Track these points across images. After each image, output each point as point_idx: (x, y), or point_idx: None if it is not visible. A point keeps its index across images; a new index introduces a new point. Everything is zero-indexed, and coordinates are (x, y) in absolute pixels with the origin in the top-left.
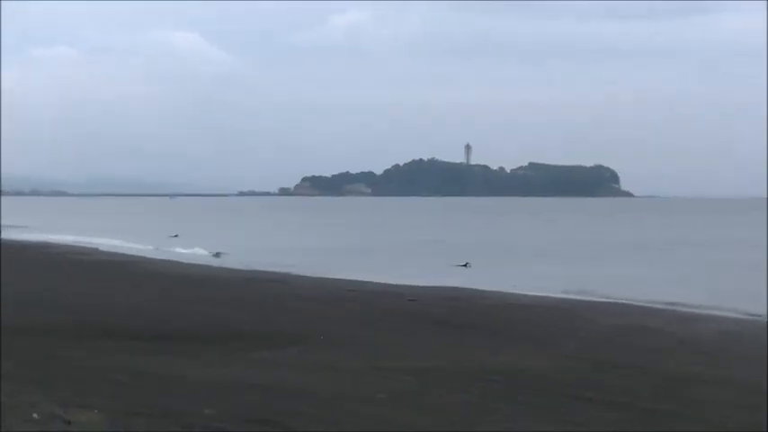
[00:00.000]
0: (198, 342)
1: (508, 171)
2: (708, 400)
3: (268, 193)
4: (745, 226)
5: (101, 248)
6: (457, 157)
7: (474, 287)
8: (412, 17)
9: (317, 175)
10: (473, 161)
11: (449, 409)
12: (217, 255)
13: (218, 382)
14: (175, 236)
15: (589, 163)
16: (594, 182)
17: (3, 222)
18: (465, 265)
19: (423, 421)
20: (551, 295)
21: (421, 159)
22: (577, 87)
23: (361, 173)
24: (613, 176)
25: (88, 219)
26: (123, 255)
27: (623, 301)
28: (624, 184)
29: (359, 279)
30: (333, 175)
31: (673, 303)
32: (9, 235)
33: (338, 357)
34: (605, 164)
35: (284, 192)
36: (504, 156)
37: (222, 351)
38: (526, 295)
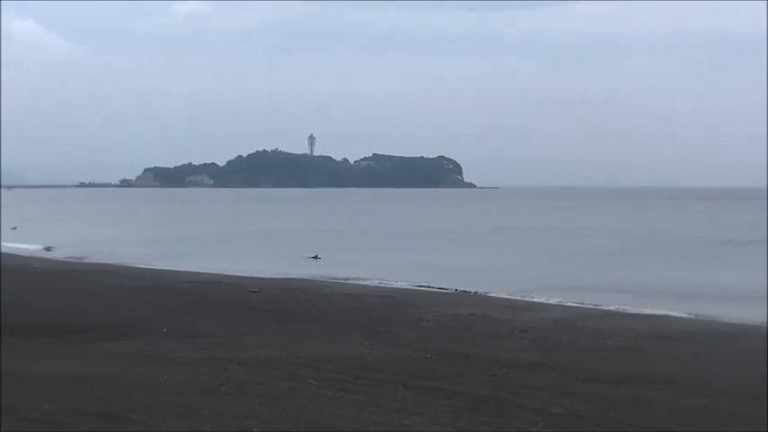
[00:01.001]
0: (37, 336)
1: (352, 162)
2: (537, 386)
3: (108, 185)
4: (574, 214)
5: None
6: (301, 148)
7: (318, 278)
8: (256, 7)
9: (159, 166)
10: (317, 152)
11: (287, 398)
12: (48, 248)
13: (57, 377)
14: (14, 228)
15: (432, 154)
16: (438, 173)
17: None
18: (315, 257)
19: (262, 410)
20: (394, 285)
21: (265, 150)
22: (425, 79)
23: (204, 164)
24: (456, 168)
25: None
26: None
27: (463, 290)
28: (467, 176)
29: (199, 270)
30: (175, 167)
31: (510, 292)
32: None
33: (178, 349)
34: (448, 155)
35: (125, 183)
36: (349, 147)
37: (62, 344)
38: (369, 286)
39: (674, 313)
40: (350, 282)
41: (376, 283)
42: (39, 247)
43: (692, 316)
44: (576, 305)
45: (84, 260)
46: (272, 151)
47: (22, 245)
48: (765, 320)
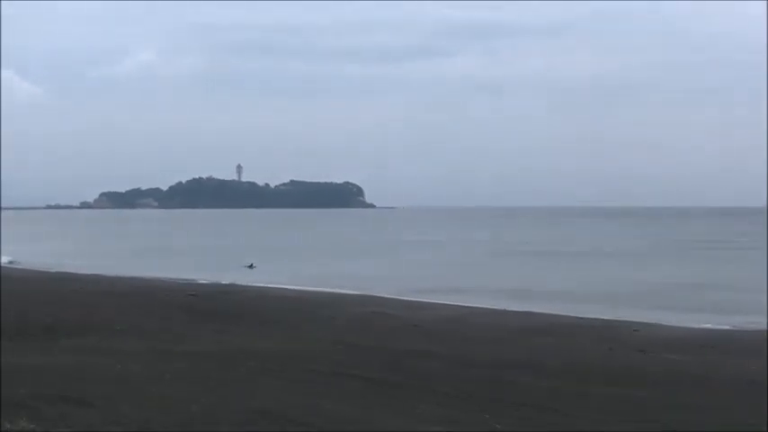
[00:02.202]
0: (8, 334)
1: (272, 187)
2: (430, 372)
3: (70, 206)
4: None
5: None
6: (230, 175)
7: (250, 284)
8: (192, 58)
9: (112, 190)
10: (244, 178)
11: (223, 385)
12: (11, 262)
13: (29, 367)
14: None
15: (340, 180)
16: (344, 196)
17: None
18: (251, 266)
19: (202, 395)
20: (313, 289)
21: (200, 177)
22: (331, 117)
23: (150, 189)
24: (359, 191)
25: None
26: None
27: (367, 293)
28: (368, 198)
29: (146, 276)
30: (126, 191)
31: (405, 294)
32: None
33: (130, 344)
34: (353, 180)
35: (84, 205)
36: (270, 173)
37: (30, 341)
38: (293, 290)
39: (541, 310)
40: (276, 287)
41: (297, 287)
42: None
43: (556, 313)
44: (459, 305)
45: (50, 270)
46: (206, 178)
47: None
48: (600, 316)
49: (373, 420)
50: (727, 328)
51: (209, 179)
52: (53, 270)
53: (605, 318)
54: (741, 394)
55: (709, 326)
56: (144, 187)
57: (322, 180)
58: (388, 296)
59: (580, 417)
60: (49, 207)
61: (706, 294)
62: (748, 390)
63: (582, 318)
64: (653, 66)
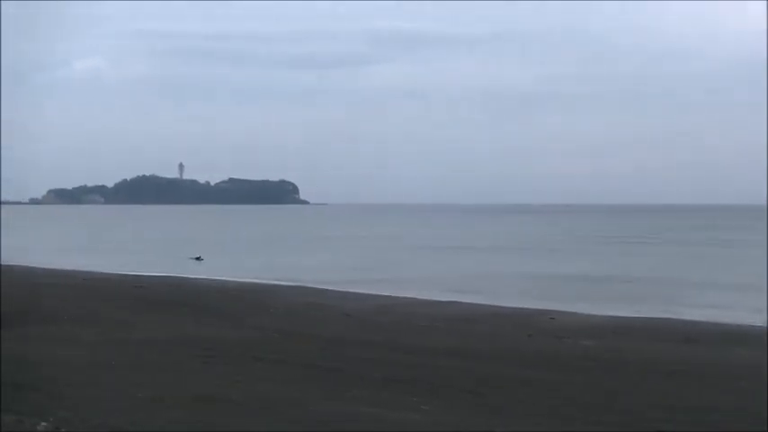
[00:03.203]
0: None
1: (213, 184)
2: (363, 359)
3: (20, 203)
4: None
5: None
6: (173, 173)
7: (195, 276)
8: (137, 63)
9: (60, 187)
10: (185, 176)
11: (169, 372)
12: None
13: None
14: None
15: (276, 178)
16: (280, 193)
17: None
18: (198, 258)
19: (149, 381)
20: (253, 281)
21: (144, 175)
22: (268, 120)
23: (96, 186)
24: (294, 188)
25: None
26: None
27: (303, 284)
28: (302, 195)
29: (93, 270)
30: (73, 188)
31: (337, 284)
32: None
33: (76, 333)
34: (288, 179)
35: (34, 201)
36: (211, 172)
37: None
38: (233, 281)
39: (463, 300)
40: (219, 278)
41: (238, 279)
42: None
43: (475, 302)
44: (388, 295)
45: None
46: (149, 175)
47: None
48: (519, 306)
49: (310, 403)
50: (635, 315)
51: (153, 177)
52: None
53: (523, 307)
54: (647, 375)
55: (619, 314)
56: (90, 184)
57: (259, 178)
58: (322, 287)
59: (503, 398)
60: None
61: (617, 285)
62: (653, 371)
63: (502, 307)
64: (568, 75)
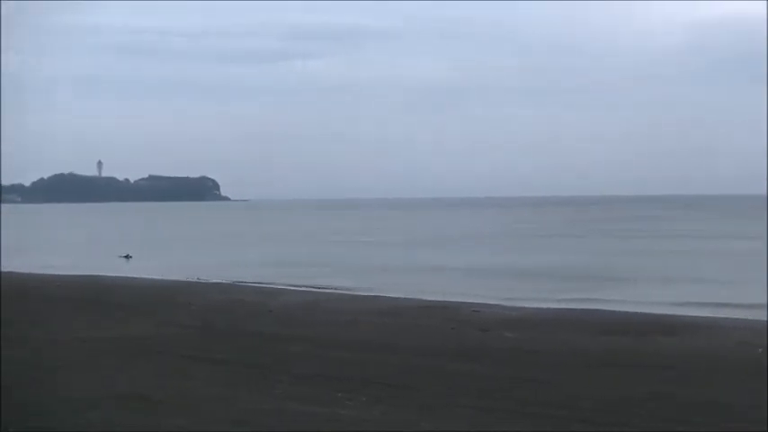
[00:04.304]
0: None
1: (132, 182)
2: (287, 354)
3: None
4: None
5: None
6: (91, 171)
7: (119, 274)
8: (58, 59)
9: None
10: (104, 174)
11: (96, 371)
12: None
13: None
14: None
15: (196, 174)
16: (201, 189)
17: None
18: (127, 257)
19: (76, 381)
20: (178, 278)
21: (62, 173)
22: (190, 115)
23: (12, 185)
24: (215, 185)
25: None
26: None
27: (227, 281)
28: (223, 191)
29: (17, 270)
30: None
31: (263, 279)
32: None
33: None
34: (209, 175)
35: None
36: (130, 168)
37: None
38: (161, 279)
39: (386, 294)
40: (144, 277)
41: (164, 277)
42: None
43: (399, 295)
44: (313, 290)
45: None
46: (67, 174)
47: None
48: (442, 299)
49: (237, 399)
50: (558, 307)
51: (71, 175)
52: None
53: (447, 300)
54: (572, 366)
55: (543, 306)
56: (6, 183)
57: (180, 175)
58: (246, 283)
59: (430, 391)
60: None
61: (540, 278)
62: (578, 362)
63: (425, 300)
64: (488, 67)
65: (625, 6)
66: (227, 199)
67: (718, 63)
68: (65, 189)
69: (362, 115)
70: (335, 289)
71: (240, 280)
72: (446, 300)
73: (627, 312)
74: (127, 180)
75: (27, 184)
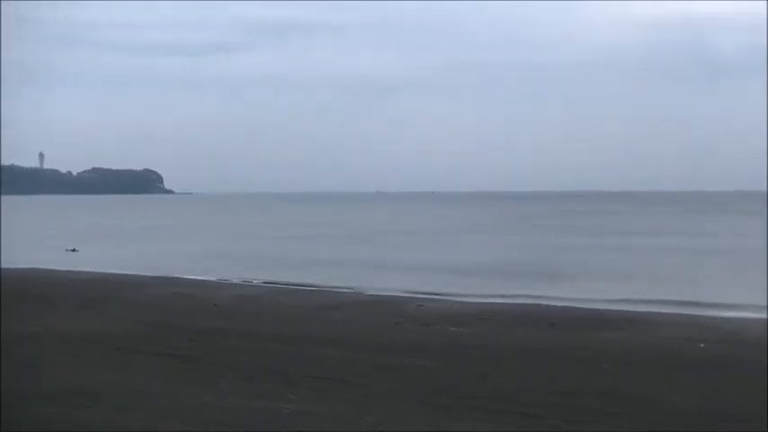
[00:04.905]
0: None
1: (75, 174)
2: (231, 349)
3: None
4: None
5: None
6: (33, 162)
7: (68, 268)
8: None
9: None
10: (46, 166)
11: (36, 367)
12: None
13: None
14: None
15: (140, 167)
16: (144, 182)
17: None
18: (74, 250)
19: (15, 377)
20: (123, 272)
21: (2, 165)
22: (133, 108)
23: None
24: (159, 178)
25: None
26: None
27: (171, 275)
28: (167, 184)
29: None
30: None
31: (207, 273)
32: None
33: None
34: (152, 168)
35: None
36: (73, 160)
37: None
38: (106, 273)
39: (330, 288)
40: (91, 271)
41: (109, 270)
42: None
43: (342, 289)
44: (257, 284)
45: None
46: (8, 165)
47: None
48: (386, 293)
49: (180, 394)
50: (502, 302)
51: (12, 167)
52: None
53: (391, 294)
54: (515, 360)
55: (486, 301)
56: None
57: (123, 167)
58: (190, 277)
59: (373, 386)
60: None
61: (483, 273)
62: (521, 356)
63: (369, 295)
64: (428, 64)
65: (563, 5)
66: (170, 192)
67: (655, 59)
68: (5, 181)
69: (304, 108)
70: (280, 283)
71: (184, 274)
72: (390, 294)
73: (571, 307)
74: (69, 172)
75: None
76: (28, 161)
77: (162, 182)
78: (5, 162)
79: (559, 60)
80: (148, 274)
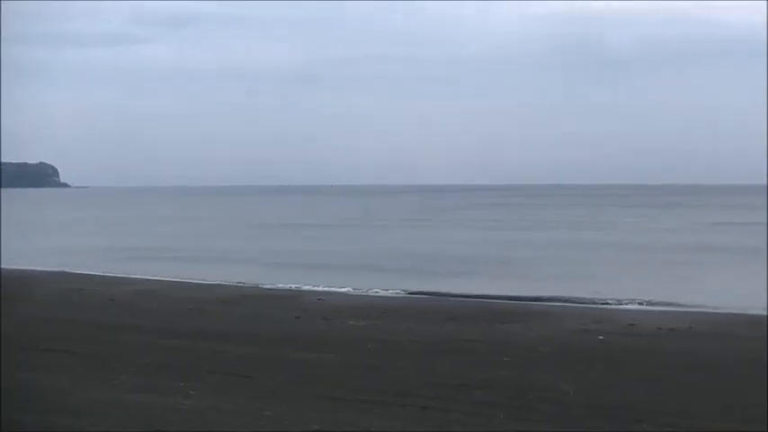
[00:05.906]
0: None
1: None
2: (129, 344)
3: None
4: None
5: None
6: None
7: None
8: None
9: None
10: None
11: None
12: None
13: None
14: None
15: (34, 161)
16: (39, 176)
17: None
18: None
19: None
20: (13, 267)
21: None
22: (30, 100)
23: None
24: (54, 171)
25: None
26: None
27: (65, 269)
28: (63, 178)
29: None
30: None
31: (102, 268)
32: None
33: None
34: (48, 161)
35: None
36: None
37: None
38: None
39: (229, 282)
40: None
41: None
42: None
43: (242, 284)
44: (154, 278)
45: None
46: None
47: None
48: (286, 287)
49: (76, 390)
50: (401, 295)
51: None
52: None
53: (291, 288)
54: (416, 354)
55: (386, 294)
56: None
57: (16, 160)
58: (84, 272)
59: (274, 381)
60: None
61: (383, 266)
62: (421, 350)
63: (270, 288)
64: (338, 57)
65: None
66: (66, 186)
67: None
68: None
69: (209, 101)
70: (177, 277)
71: (80, 268)
72: (290, 288)
73: (470, 300)
74: None
75: None
76: None
77: (57, 176)
78: None
79: (460, 55)
80: (42, 268)
